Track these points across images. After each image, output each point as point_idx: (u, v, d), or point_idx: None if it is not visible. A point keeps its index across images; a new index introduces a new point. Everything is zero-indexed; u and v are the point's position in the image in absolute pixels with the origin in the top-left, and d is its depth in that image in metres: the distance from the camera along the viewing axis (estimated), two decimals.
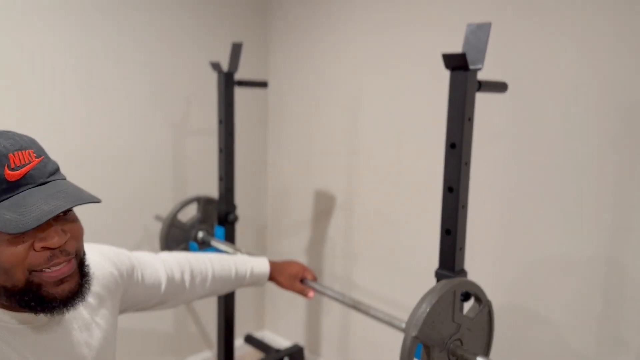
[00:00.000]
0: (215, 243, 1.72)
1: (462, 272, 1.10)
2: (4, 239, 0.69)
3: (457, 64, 1.00)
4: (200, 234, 1.76)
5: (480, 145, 1.45)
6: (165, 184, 2.14)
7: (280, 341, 2.51)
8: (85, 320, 0.89)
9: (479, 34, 1.01)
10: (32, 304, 0.72)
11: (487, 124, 1.59)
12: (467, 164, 1.06)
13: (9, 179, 0.69)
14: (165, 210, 2.00)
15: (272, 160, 2.49)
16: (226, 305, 1.81)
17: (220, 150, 1.74)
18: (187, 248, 1.78)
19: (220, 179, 1.75)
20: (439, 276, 1.10)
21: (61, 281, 0.74)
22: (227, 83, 1.69)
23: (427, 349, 0.94)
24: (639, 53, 1.33)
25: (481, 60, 1.01)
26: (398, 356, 0.93)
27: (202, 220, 1.80)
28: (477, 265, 1.66)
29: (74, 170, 1.77)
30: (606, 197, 1.41)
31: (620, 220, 1.40)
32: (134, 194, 2.04)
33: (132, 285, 1.06)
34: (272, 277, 1.39)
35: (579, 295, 1.48)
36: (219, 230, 1.76)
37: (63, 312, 0.76)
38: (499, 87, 1.12)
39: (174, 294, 1.17)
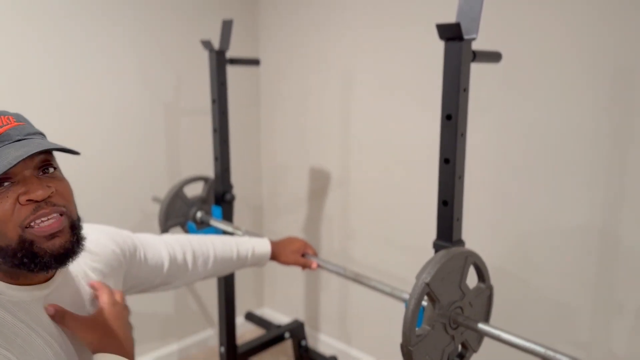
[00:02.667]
0: (214, 222, 1.73)
1: (460, 242, 1.12)
2: None
3: (451, 34, 0.99)
4: (199, 214, 1.77)
5: (474, 116, 1.45)
6: (160, 165, 2.13)
7: (281, 318, 2.54)
8: (90, 296, 0.90)
9: (473, 3, 1.00)
10: (25, 260, 0.73)
11: (479, 94, 1.59)
12: (463, 135, 1.06)
13: None
14: (162, 192, 2.00)
15: (265, 139, 2.48)
16: (226, 283, 1.83)
17: (215, 130, 1.73)
18: (185, 228, 1.79)
19: (216, 158, 1.75)
20: (437, 247, 1.12)
21: (52, 236, 0.75)
22: (219, 61, 1.67)
23: (433, 303, 0.96)
24: (630, 18, 1.33)
25: (475, 29, 1.00)
26: (398, 330, 0.95)
27: (204, 201, 1.80)
28: (473, 234, 1.68)
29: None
30: (600, 164, 1.43)
31: (613, 188, 1.41)
32: (129, 176, 2.03)
33: (134, 264, 1.07)
34: (273, 257, 1.40)
35: (573, 261, 1.51)
36: (217, 210, 1.76)
37: (55, 268, 0.77)
38: (493, 56, 1.12)
39: (176, 275, 1.18)
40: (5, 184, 0.73)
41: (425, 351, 0.94)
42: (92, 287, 0.90)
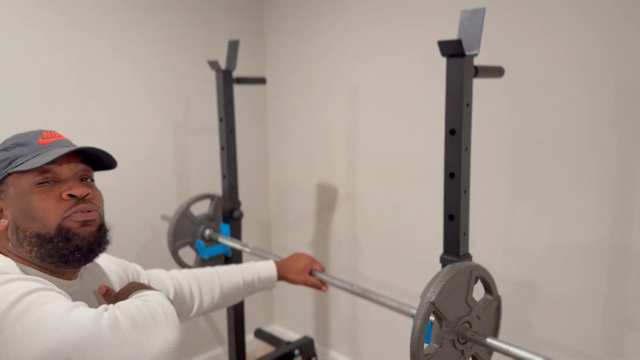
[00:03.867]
0: (222, 240, 1.74)
1: (467, 257, 1.12)
2: (35, 189, 0.85)
3: (453, 50, 1.01)
4: (207, 232, 1.78)
5: (479, 130, 1.46)
6: (169, 184, 2.16)
7: (290, 334, 2.53)
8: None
9: (474, 19, 1.02)
10: (60, 244, 0.84)
11: (484, 108, 1.60)
12: (468, 149, 1.07)
13: (41, 143, 0.89)
14: (171, 210, 2.02)
15: (272, 155, 2.50)
16: None
17: (222, 148, 1.75)
18: (194, 247, 1.80)
19: (224, 176, 1.77)
20: (444, 261, 1.11)
21: (85, 223, 0.87)
22: (226, 81, 1.70)
23: (440, 321, 0.95)
24: (632, 31, 1.33)
25: (477, 45, 1.02)
26: (407, 344, 0.95)
27: (211, 219, 1.81)
28: (481, 249, 1.68)
29: None
30: (609, 178, 1.42)
31: (622, 200, 1.41)
32: (138, 195, 2.05)
33: None
34: (281, 277, 1.41)
35: (584, 277, 1.50)
36: (225, 227, 1.77)
37: (86, 258, 0.87)
38: (496, 71, 1.13)
39: (183, 307, 1.20)
40: (51, 182, 0.86)
41: None
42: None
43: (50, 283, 0.78)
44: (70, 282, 0.90)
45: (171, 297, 1.17)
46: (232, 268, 1.33)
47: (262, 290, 1.39)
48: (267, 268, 1.39)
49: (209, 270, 1.29)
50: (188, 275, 1.24)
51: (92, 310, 0.72)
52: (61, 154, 0.85)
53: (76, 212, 0.86)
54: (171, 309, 0.80)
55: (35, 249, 0.84)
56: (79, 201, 0.87)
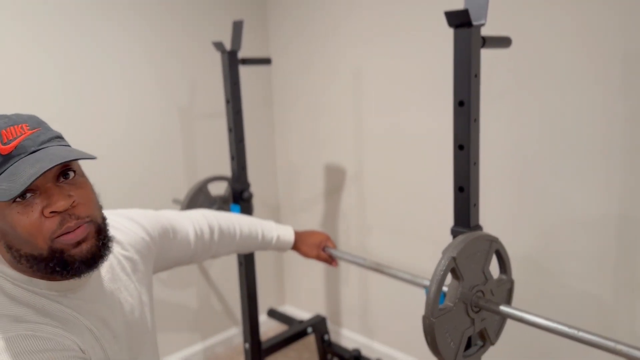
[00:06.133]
0: None
1: (478, 228, 1.12)
2: (14, 211, 0.74)
3: (460, 20, 1.00)
4: None
5: (488, 104, 1.45)
6: (178, 168, 2.17)
7: (302, 314, 2.56)
8: (124, 282, 0.94)
9: None
10: (58, 268, 0.76)
11: (492, 82, 1.59)
12: (476, 120, 1.07)
13: (2, 153, 0.73)
14: (181, 194, 2.04)
15: (279, 137, 2.51)
16: (248, 281, 1.86)
17: (230, 130, 1.75)
18: None
19: (232, 158, 1.78)
20: (455, 233, 1.12)
21: (79, 243, 0.77)
22: (231, 62, 1.70)
23: (457, 281, 0.97)
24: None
25: (484, 15, 1.01)
26: (419, 321, 0.96)
27: (225, 201, 1.83)
28: (491, 222, 1.68)
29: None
30: (619, 150, 1.42)
31: (633, 173, 1.40)
32: (147, 179, 2.07)
33: (164, 247, 1.10)
34: (295, 247, 1.43)
35: (594, 246, 1.50)
36: (235, 208, 1.79)
37: (86, 272, 0.79)
38: (503, 42, 1.12)
39: (202, 251, 1.21)
40: (28, 195, 0.74)
41: (446, 328, 0.95)
42: None
43: (47, 330, 0.74)
44: (76, 280, 0.84)
45: (192, 243, 1.17)
46: (253, 223, 1.34)
47: (274, 250, 1.41)
48: (287, 233, 1.41)
49: (230, 219, 1.29)
50: (210, 221, 1.23)
51: None
52: (30, 181, 0.70)
53: (65, 234, 0.76)
54: None
55: (34, 266, 0.77)
56: (64, 218, 0.76)
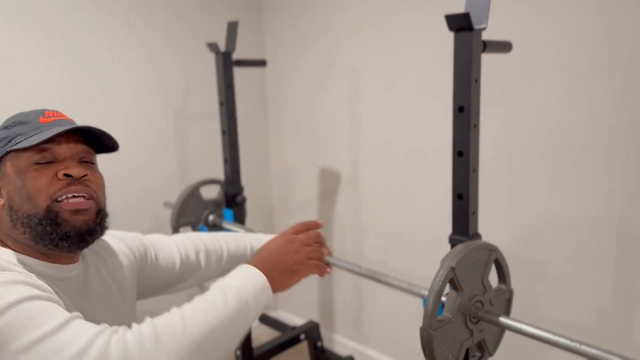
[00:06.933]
0: (226, 225, 1.73)
1: (477, 236, 1.10)
2: (32, 168, 0.81)
3: (461, 24, 0.98)
4: (211, 217, 1.76)
5: (485, 108, 1.43)
6: (171, 170, 2.14)
7: (295, 319, 2.53)
8: (108, 285, 0.97)
9: None
10: (48, 228, 0.80)
11: (490, 86, 1.57)
12: (476, 126, 1.05)
13: (42, 122, 0.86)
14: (173, 197, 2.00)
15: (274, 140, 2.48)
16: None
17: (224, 132, 1.72)
18: (195, 227, 1.78)
19: (225, 161, 1.75)
20: (453, 241, 1.10)
21: (77, 211, 0.82)
22: (226, 63, 1.67)
23: (456, 292, 0.94)
24: None
25: (485, 19, 0.99)
26: (413, 328, 0.94)
27: (218, 205, 1.79)
28: (488, 228, 1.66)
29: None
30: (618, 154, 1.40)
31: (633, 179, 1.39)
32: (140, 182, 2.03)
33: (146, 265, 1.09)
34: None
35: (593, 252, 1.48)
36: (228, 213, 1.75)
37: (78, 246, 0.83)
38: (504, 46, 1.10)
39: (189, 274, 1.18)
40: (49, 162, 0.82)
41: (444, 339, 0.93)
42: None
43: (44, 285, 0.74)
44: (68, 267, 0.87)
45: (177, 266, 1.14)
46: (241, 238, 1.30)
47: None
48: None
49: (216, 237, 1.26)
50: (195, 242, 1.20)
51: (89, 331, 0.66)
52: (59, 131, 0.81)
53: (68, 197, 0.81)
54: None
55: (27, 230, 0.80)
56: (73, 182, 0.82)
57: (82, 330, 0.66)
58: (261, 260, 0.90)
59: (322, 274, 1.04)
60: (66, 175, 0.82)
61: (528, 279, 1.62)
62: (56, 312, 0.68)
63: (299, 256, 0.95)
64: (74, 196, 0.82)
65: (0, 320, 0.64)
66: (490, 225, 1.65)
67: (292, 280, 0.93)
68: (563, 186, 1.51)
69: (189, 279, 1.19)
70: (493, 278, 1.04)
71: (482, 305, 0.99)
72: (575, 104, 1.46)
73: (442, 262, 0.94)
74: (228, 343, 0.76)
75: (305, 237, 1.00)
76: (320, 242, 1.04)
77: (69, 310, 0.72)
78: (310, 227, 1.07)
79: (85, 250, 0.93)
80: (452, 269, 0.92)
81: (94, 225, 0.84)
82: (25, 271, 0.79)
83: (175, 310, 0.75)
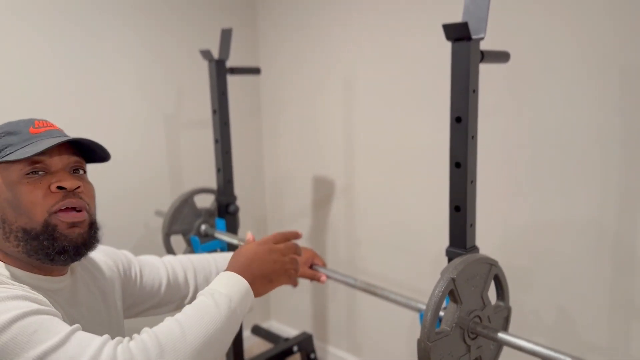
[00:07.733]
0: (218, 235, 1.70)
1: (474, 249, 1.08)
2: (24, 180, 0.81)
3: (459, 34, 0.96)
4: (203, 227, 1.73)
5: (481, 118, 1.42)
6: (162, 179, 2.10)
7: (288, 330, 2.50)
8: (96, 296, 0.97)
9: (479, 1, 0.98)
10: (46, 242, 0.80)
11: (486, 96, 1.56)
12: (474, 137, 1.03)
13: (32, 133, 0.85)
14: (164, 206, 1.97)
15: (267, 149, 2.46)
16: None
17: (216, 141, 1.70)
18: (187, 237, 1.75)
19: (218, 170, 1.72)
20: (450, 254, 1.08)
21: (73, 224, 0.83)
22: (219, 71, 1.65)
23: (455, 304, 0.92)
24: (636, 17, 1.30)
25: (483, 29, 0.98)
26: (406, 340, 0.92)
27: (211, 214, 1.76)
28: (483, 239, 1.65)
29: None
30: (614, 167, 1.39)
31: (628, 191, 1.38)
32: (130, 190, 2.00)
33: (130, 280, 1.07)
34: None
35: (587, 263, 1.47)
36: (220, 222, 1.73)
37: (71, 257, 0.83)
38: (502, 56, 1.09)
39: (177, 294, 1.15)
40: (41, 173, 0.82)
41: (441, 353, 0.90)
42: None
43: (42, 298, 0.75)
44: (58, 279, 0.87)
45: (164, 285, 1.12)
46: (229, 254, 1.28)
47: None
48: None
49: (204, 256, 1.24)
50: (183, 261, 1.19)
51: (94, 343, 0.67)
52: (52, 144, 0.80)
53: (64, 210, 0.82)
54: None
55: (22, 244, 0.80)
56: (68, 194, 0.82)
57: (86, 342, 0.67)
58: (243, 266, 0.91)
59: (294, 284, 1.09)
60: (59, 187, 0.82)
61: (525, 291, 1.60)
62: (57, 326, 0.68)
63: (277, 266, 0.96)
64: (67, 208, 0.82)
65: (2, 336, 0.64)
66: (487, 237, 1.63)
67: (268, 288, 0.95)
68: (560, 198, 1.50)
69: (177, 300, 1.16)
70: (491, 295, 1.02)
71: (481, 320, 0.97)
72: (571, 116, 1.45)
73: (443, 273, 0.92)
74: (222, 348, 0.79)
75: (285, 248, 1.00)
76: (297, 253, 1.04)
77: (64, 321, 0.73)
78: (290, 237, 1.07)
79: (75, 263, 0.92)
80: (453, 280, 0.90)
81: (88, 238, 0.85)
82: (19, 284, 0.79)
83: (171, 320, 0.76)
